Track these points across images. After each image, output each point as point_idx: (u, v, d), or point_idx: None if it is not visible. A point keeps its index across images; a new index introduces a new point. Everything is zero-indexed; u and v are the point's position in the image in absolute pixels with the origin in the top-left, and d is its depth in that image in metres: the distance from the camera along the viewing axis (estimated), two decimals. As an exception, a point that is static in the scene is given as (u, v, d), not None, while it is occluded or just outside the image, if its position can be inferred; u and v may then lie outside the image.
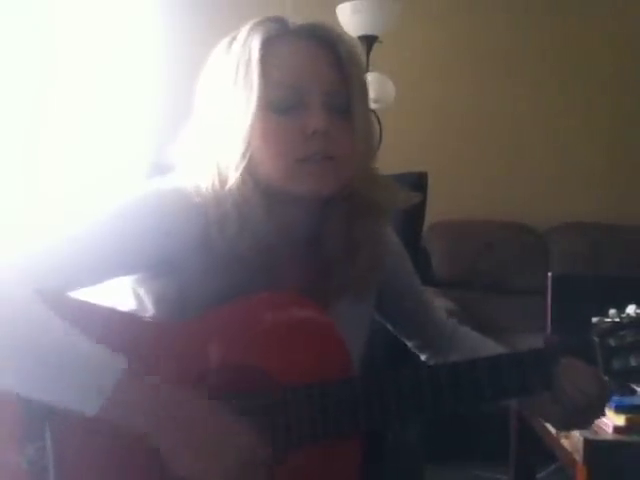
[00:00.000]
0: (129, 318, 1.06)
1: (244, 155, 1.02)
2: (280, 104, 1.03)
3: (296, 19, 1.08)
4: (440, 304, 3.28)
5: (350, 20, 3.39)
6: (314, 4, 3.62)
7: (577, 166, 4.10)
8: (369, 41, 3.42)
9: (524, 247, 3.95)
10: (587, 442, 1.65)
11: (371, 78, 3.33)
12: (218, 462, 0.94)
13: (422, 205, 1.41)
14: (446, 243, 3.90)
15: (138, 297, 1.09)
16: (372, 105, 3.27)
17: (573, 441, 1.70)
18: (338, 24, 3.40)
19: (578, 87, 4.12)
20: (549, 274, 2.24)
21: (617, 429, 1.68)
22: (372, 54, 3.44)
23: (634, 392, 1.79)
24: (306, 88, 1.03)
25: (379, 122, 3.35)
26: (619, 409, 1.70)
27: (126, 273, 1.07)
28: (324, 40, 1.06)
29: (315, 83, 1.04)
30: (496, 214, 4.00)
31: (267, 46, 1.03)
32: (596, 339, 1.08)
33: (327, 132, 1.02)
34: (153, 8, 3.87)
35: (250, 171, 1.03)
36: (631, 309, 1.09)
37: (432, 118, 4.03)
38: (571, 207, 4.03)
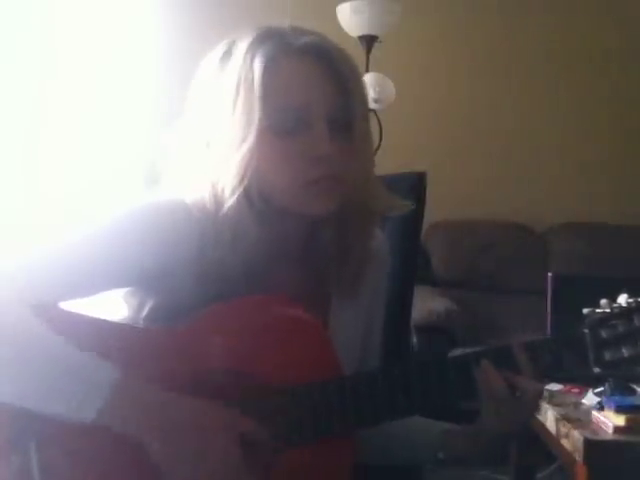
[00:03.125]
0: (121, 327, 1.06)
1: (242, 181, 1.01)
2: (284, 126, 1.01)
3: (295, 31, 1.06)
4: (440, 304, 3.32)
5: (350, 20, 3.39)
6: (314, 4, 3.64)
7: (577, 166, 4.10)
8: (369, 41, 3.43)
9: (524, 247, 3.95)
10: (587, 442, 1.65)
11: (371, 78, 3.33)
12: (205, 466, 0.94)
13: (421, 205, 1.41)
14: (446, 243, 3.90)
15: (131, 307, 1.08)
16: (372, 105, 3.27)
17: (573, 441, 1.70)
18: (338, 24, 3.41)
19: (578, 87, 4.12)
20: (549, 274, 2.24)
21: (617, 429, 1.68)
22: (372, 54, 3.44)
23: (634, 392, 1.79)
24: (309, 109, 1.02)
25: (379, 122, 3.36)
26: (619, 409, 1.70)
27: (122, 285, 1.06)
28: (324, 57, 1.04)
29: (319, 104, 1.02)
30: (496, 214, 4.00)
31: (269, 68, 1.01)
32: (587, 331, 1.06)
33: (332, 156, 1.02)
34: (153, 7, 3.87)
35: (247, 192, 1.02)
36: (622, 299, 1.08)
37: (432, 118, 4.03)
38: (571, 207, 4.03)
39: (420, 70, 4.04)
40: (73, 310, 1.02)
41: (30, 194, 3.38)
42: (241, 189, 1.01)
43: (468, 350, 1.11)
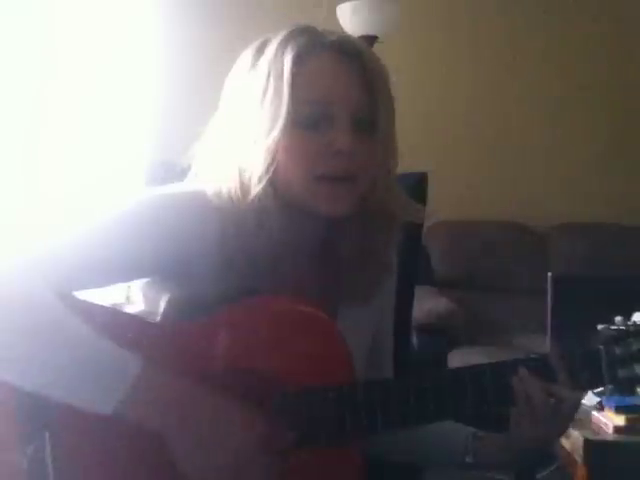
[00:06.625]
0: (134, 320, 1.06)
1: (268, 169, 1.02)
2: (307, 119, 1.02)
3: (326, 30, 1.07)
4: (440, 304, 3.32)
5: (350, 20, 3.39)
6: (314, 4, 3.64)
7: (577, 166, 4.10)
8: (369, 41, 3.42)
9: (524, 247, 3.95)
10: (587, 442, 1.65)
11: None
12: (225, 460, 0.94)
13: (422, 206, 1.40)
14: (446, 243, 3.90)
15: (147, 299, 1.08)
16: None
17: (573, 441, 1.71)
18: (338, 24, 3.41)
19: (577, 87, 4.12)
20: (549, 274, 2.24)
21: (617, 429, 1.68)
22: (372, 54, 3.44)
23: (634, 392, 1.79)
24: (334, 104, 1.03)
25: (379, 122, 3.36)
26: (619, 409, 1.70)
27: (140, 276, 1.06)
28: (354, 56, 1.05)
29: (343, 100, 1.03)
30: (496, 214, 3.99)
31: (298, 61, 1.02)
32: (601, 347, 1.06)
33: (351, 152, 1.02)
34: (154, 6, 3.87)
35: (272, 182, 1.03)
36: (637, 316, 1.08)
37: (432, 118, 4.03)
38: (571, 207, 4.03)
39: (420, 70, 4.04)
40: (87, 300, 1.02)
41: (30, 194, 3.38)
42: (267, 177, 1.02)
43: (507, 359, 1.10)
